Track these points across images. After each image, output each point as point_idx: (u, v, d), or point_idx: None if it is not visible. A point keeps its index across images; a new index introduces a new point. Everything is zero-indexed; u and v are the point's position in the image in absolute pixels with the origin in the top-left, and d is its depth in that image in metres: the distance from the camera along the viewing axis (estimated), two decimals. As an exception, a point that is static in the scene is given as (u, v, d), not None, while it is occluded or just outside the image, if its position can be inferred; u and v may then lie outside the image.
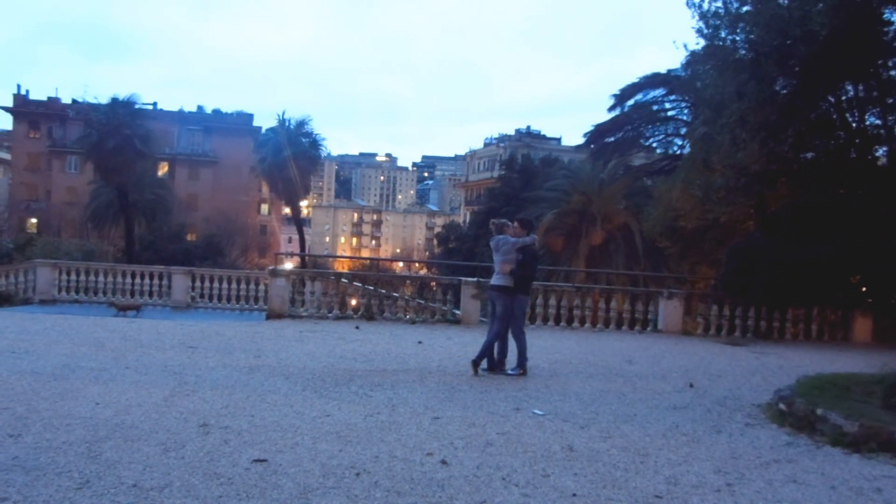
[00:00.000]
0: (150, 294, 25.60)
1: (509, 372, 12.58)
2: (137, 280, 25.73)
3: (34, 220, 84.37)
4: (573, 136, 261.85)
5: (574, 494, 6.50)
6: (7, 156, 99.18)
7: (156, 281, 25.74)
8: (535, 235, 13.67)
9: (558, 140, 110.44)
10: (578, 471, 7.20)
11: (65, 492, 5.97)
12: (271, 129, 59.41)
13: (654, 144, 44.79)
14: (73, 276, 25.55)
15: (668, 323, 21.41)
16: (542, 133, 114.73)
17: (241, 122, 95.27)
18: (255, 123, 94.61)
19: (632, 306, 21.89)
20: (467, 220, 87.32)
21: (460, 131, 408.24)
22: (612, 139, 45.06)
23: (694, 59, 24.02)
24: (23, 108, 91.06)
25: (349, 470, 6.82)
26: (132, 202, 51.56)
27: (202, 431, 7.91)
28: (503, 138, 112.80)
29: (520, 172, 63.76)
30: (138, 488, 6.08)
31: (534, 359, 13.80)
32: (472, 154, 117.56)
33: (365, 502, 6.02)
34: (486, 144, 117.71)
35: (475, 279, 21.08)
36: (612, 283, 32.72)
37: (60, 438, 7.46)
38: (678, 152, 39.88)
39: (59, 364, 11.65)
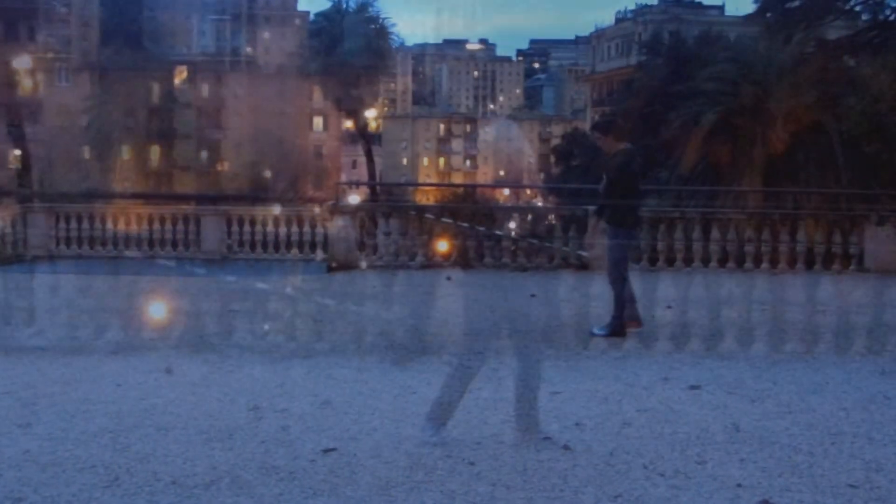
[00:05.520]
0: (175, 245, 26.32)
1: (595, 331, 13.16)
2: (157, 226, 26.37)
3: (17, 152, 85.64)
4: (741, 2, 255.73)
5: (739, 485, 6.83)
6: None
7: (180, 227, 26.41)
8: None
9: (720, 8, 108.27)
10: (746, 456, 7.52)
11: (90, 490, 6.57)
12: (323, 15, 60.08)
13: (858, 8, 43.74)
14: (76, 224, 26.43)
15: (878, 258, 21.19)
16: (698, 0, 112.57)
17: (282, 8, 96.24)
18: (301, 7, 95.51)
19: (828, 237, 21.76)
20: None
21: (582, 2, 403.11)
22: (797, 3, 44.08)
23: None
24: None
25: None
26: (142, 123, 52.79)
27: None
28: (642, 10, 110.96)
29: (667, 57, 62.82)
30: None
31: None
32: (600, 34, 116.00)
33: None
34: (618, 20, 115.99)
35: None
36: (801, 206, 32.38)
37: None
38: (893, 18, 38.87)
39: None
